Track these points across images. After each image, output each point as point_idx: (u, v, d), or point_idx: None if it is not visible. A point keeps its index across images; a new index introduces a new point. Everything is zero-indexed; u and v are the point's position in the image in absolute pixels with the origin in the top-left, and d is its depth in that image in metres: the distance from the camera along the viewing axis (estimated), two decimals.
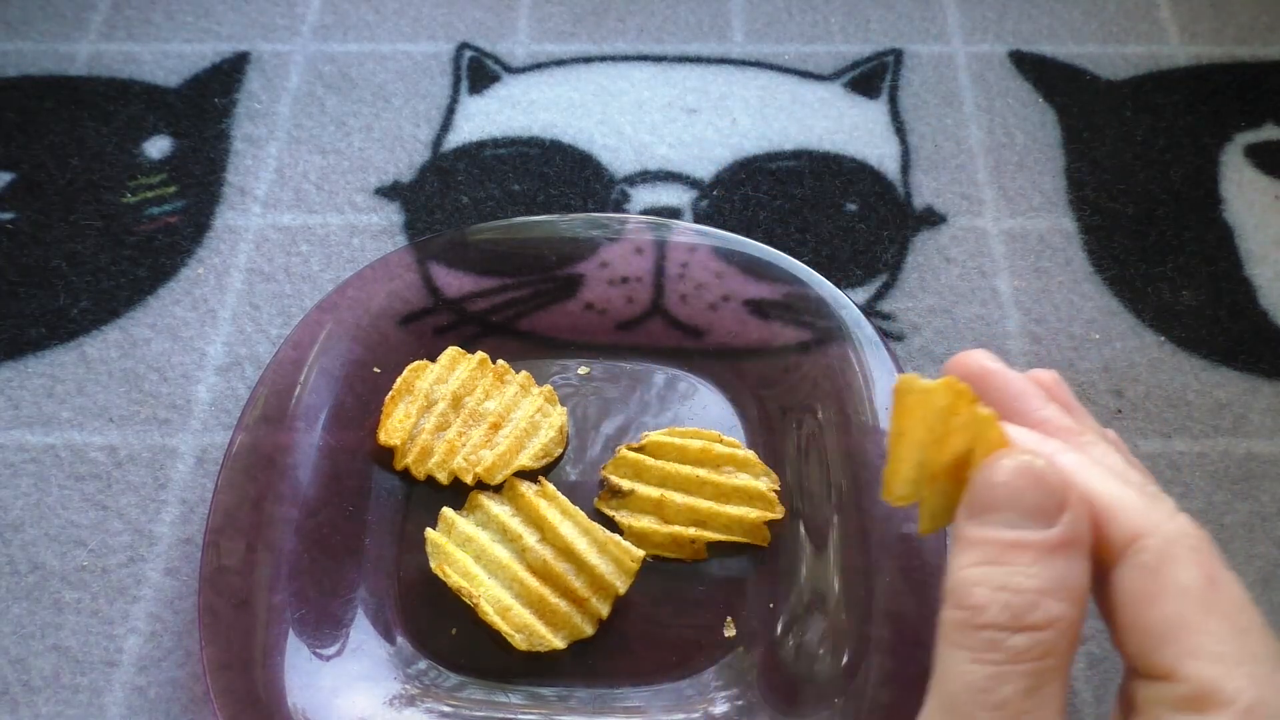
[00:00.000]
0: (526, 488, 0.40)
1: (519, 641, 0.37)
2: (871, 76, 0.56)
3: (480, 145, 0.53)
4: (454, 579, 0.37)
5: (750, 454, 0.41)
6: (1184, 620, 0.21)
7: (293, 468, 0.40)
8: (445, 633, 0.38)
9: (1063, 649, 0.21)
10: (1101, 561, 0.23)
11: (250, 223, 0.51)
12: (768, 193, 0.51)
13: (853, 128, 0.54)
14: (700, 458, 0.41)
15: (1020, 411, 0.26)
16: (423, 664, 0.38)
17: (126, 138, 0.54)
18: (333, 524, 0.39)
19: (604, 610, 0.38)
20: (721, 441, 0.41)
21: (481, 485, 0.41)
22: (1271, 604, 0.39)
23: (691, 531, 0.39)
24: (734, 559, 0.40)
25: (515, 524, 0.39)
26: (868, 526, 0.38)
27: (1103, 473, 0.23)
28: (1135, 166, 0.52)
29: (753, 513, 0.39)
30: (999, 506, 0.22)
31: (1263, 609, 0.21)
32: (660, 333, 0.45)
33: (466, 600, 0.37)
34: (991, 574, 0.22)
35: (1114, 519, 0.22)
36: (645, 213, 0.50)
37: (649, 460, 0.41)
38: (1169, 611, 0.21)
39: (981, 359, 0.27)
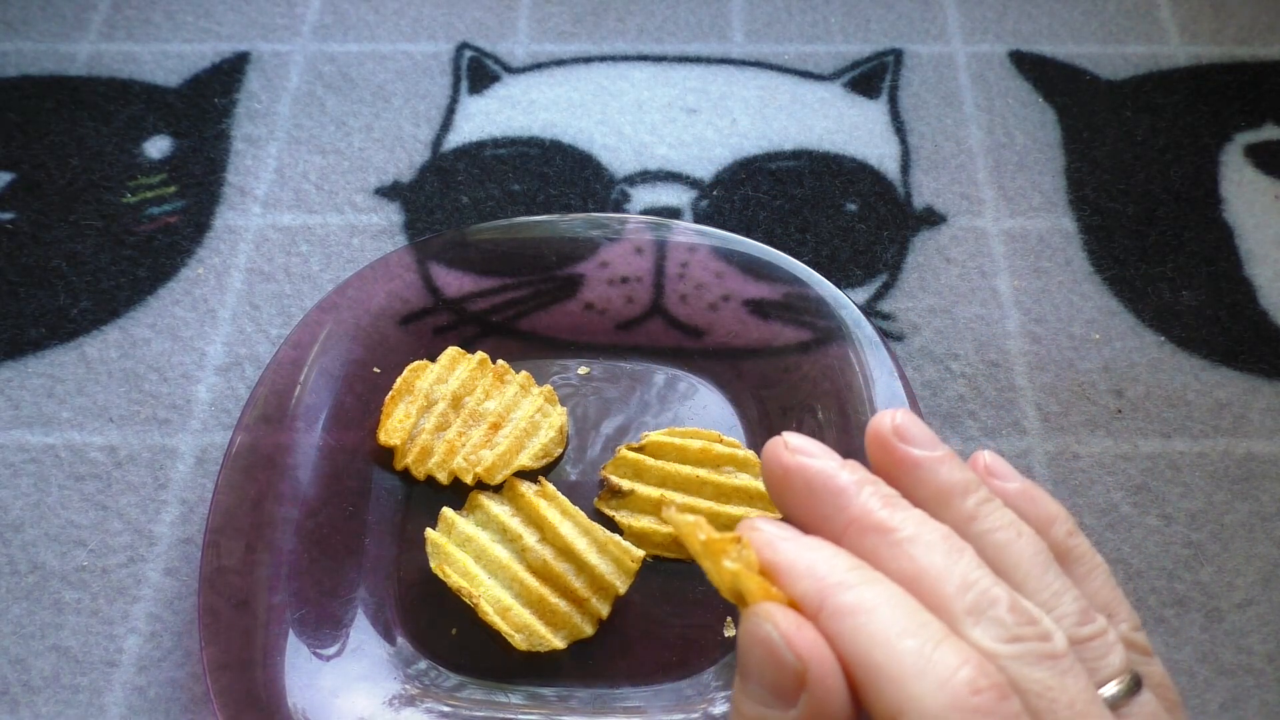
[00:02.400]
0: (526, 488, 0.40)
1: (519, 641, 0.37)
2: (871, 76, 0.56)
3: (480, 145, 0.53)
4: (454, 579, 0.37)
5: (750, 454, 0.41)
6: None
7: (293, 468, 0.40)
8: (445, 633, 0.38)
9: None
10: None
11: (250, 223, 0.51)
12: (768, 193, 0.51)
13: (853, 128, 0.54)
14: (700, 458, 0.41)
15: (833, 511, 0.23)
16: (423, 664, 0.38)
17: (126, 138, 0.54)
18: (333, 524, 0.39)
19: (604, 610, 0.38)
20: (721, 441, 0.41)
21: (481, 485, 0.41)
22: (1272, 604, 0.39)
23: None
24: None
25: (515, 524, 0.39)
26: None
27: (890, 612, 0.20)
28: (1135, 166, 0.52)
29: (753, 513, 0.39)
30: (748, 675, 0.21)
31: (1263, 609, 0.21)
32: (660, 333, 0.45)
33: (466, 600, 0.37)
34: None
35: (878, 689, 0.20)
36: (645, 213, 0.50)
37: (649, 460, 0.41)
38: None
39: (797, 454, 0.24)
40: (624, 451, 0.41)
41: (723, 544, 0.22)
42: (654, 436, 0.41)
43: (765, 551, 0.22)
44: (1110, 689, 0.22)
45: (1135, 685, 0.22)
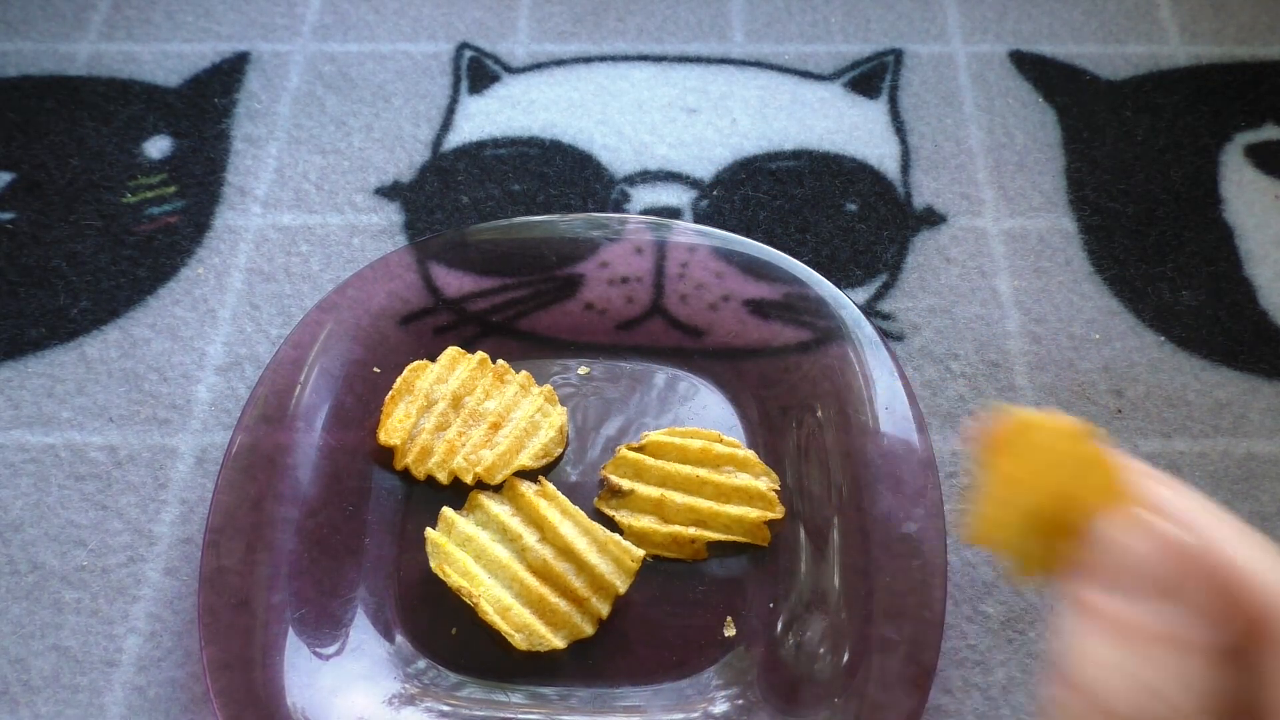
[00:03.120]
0: (526, 487, 0.40)
1: (519, 641, 0.37)
2: (871, 76, 0.56)
3: (480, 145, 0.53)
4: (454, 579, 0.37)
5: (750, 454, 0.41)
6: None
7: (293, 468, 0.40)
8: (445, 633, 0.38)
9: None
10: (1243, 640, 0.20)
11: (250, 223, 0.51)
12: (768, 193, 0.51)
13: (853, 128, 0.54)
14: (700, 458, 0.41)
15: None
16: (422, 663, 0.38)
17: (126, 138, 0.54)
18: (333, 524, 0.39)
19: (604, 610, 0.38)
20: (722, 441, 0.41)
21: (481, 485, 0.41)
22: None
23: (692, 531, 0.39)
24: (734, 559, 0.40)
25: (515, 524, 0.39)
26: (868, 526, 0.38)
27: (1238, 532, 0.21)
28: (1135, 166, 0.52)
29: (753, 512, 0.39)
30: (1124, 574, 0.20)
31: None
32: (660, 333, 0.45)
33: (466, 600, 0.37)
34: (1117, 658, 0.20)
35: (1252, 592, 0.19)
36: (645, 213, 0.50)
37: (649, 460, 0.41)
38: None
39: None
40: (624, 451, 0.41)
41: (1087, 437, 0.22)
42: (654, 436, 0.41)
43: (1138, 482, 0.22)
44: None
45: None
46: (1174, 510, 0.21)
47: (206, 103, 0.55)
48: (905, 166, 0.53)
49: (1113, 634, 0.20)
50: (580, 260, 0.46)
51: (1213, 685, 0.19)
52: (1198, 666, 0.19)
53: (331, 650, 0.37)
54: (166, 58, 0.57)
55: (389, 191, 0.52)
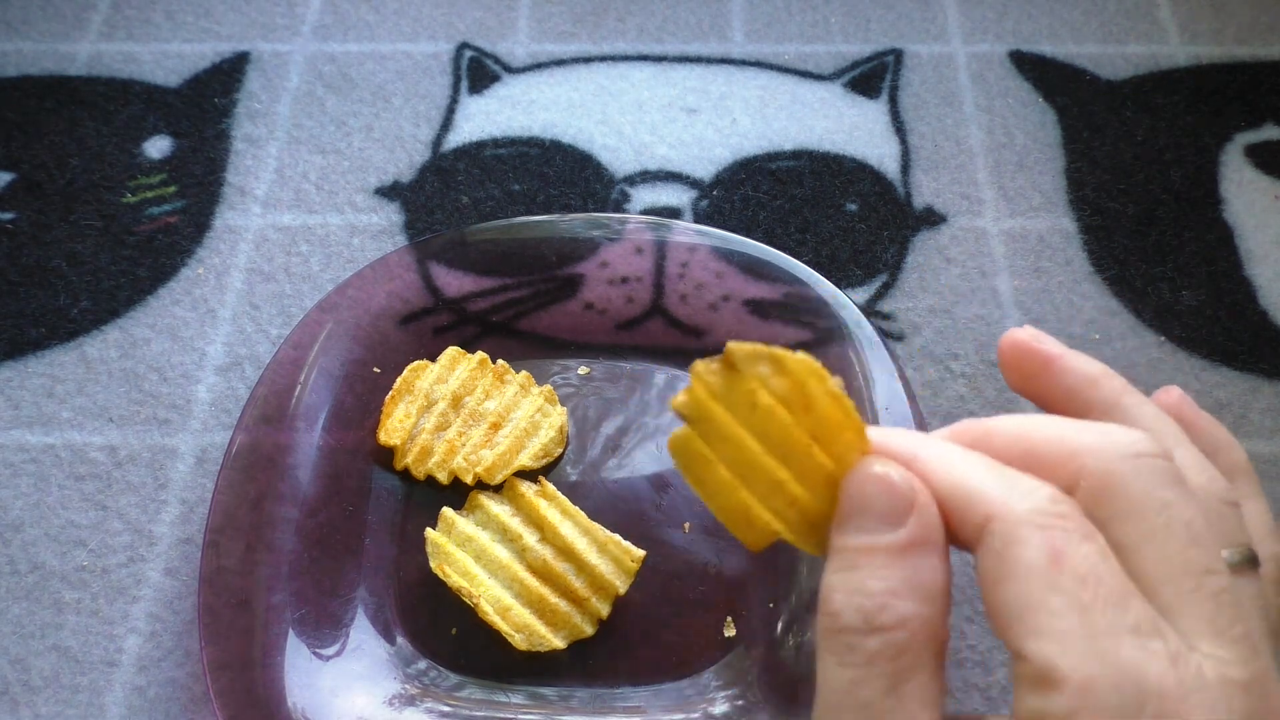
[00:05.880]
0: (526, 488, 0.40)
1: (519, 641, 0.37)
2: (871, 76, 0.56)
3: (480, 145, 0.53)
4: (454, 579, 0.37)
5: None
6: (1027, 600, 0.21)
7: (293, 468, 0.40)
8: (445, 633, 0.38)
9: (918, 646, 0.21)
10: (970, 549, 0.23)
11: (250, 223, 0.51)
12: (768, 193, 0.51)
13: (853, 128, 0.54)
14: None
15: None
16: (423, 664, 0.38)
17: (126, 138, 0.54)
18: (333, 524, 0.39)
19: (604, 610, 0.38)
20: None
21: (481, 485, 0.41)
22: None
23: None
24: (734, 559, 0.40)
25: (515, 524, 0.39)
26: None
27: (972, 462, 0.23)
28: (1135, 166, 0.52)
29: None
30: (854, 514, 0.23)
31: None
32: (660, 333, 0.45)
33: (466, 600, 0.37)
34: (847, 579, 0.22)
35: (969, 506, 0.22)
36: (645, 213, 0.50)
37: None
38: (1014, 592, 0.21)
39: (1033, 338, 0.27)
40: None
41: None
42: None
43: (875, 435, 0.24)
44: (1225, 552, 0.23)
45: (1251, 561, 0.23)
46: (897, 446, 0.24)
47: (206, 103, 0.55)
48: (905, 166, 0.53)
49: (844, 561, 0.23)
50: (580, 260, 0.46)
51: (919, 578, 0.22)
52: (908, 565, 0.22)
53: (331, 650, 0.37)
54: (166, 58, 0.57)
55: (389, 191, 0.52)
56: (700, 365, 0.23)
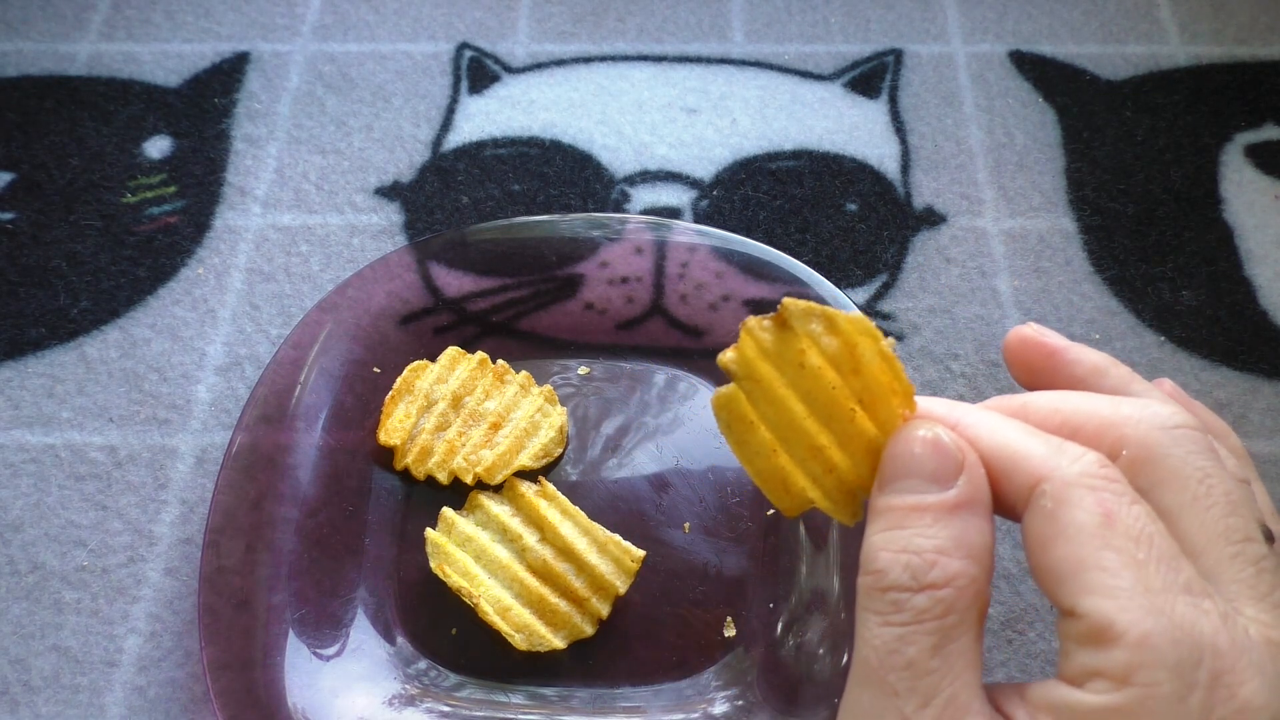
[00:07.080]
0: (526, 488, 0.40)
1: (519, 641, 0.37)
2: (871, 76, 0.56)
3: (480, 145, 0.53)
4: (454, 579, 0.37)
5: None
6: (1080, 558, 0.21)
7: (293, 468, 0.40)
8: (445, 633, 0.38)
9: (965, 605, 0.22)
10: (1014, 512, 0.23)
11: (250, 223, 0.51)
12: (768, 193, 0.51)
13: (853, 128, 0.54)
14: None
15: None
16: (423, 664, 0.38)
17: (126, 138, 0.54)
18: (333, 524, 0.39)
19: (604, 610, 0.38)
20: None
21: (481, 485, 0.41)
22: None
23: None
24: (734, 559, 0.40)
25: (515, 524, 0.39)
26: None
27: (1016, 428, 0.24)
28: (1135, 166, 0.52)
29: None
30: (901, 475, 0.23)
31: None
32: (660, 333, 0.45)
33: (466, 600, 0.37)
34: (894, 538, 0.23)
35: (1017, 469, 0.23)
36: (645, 213, 0.50)
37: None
38: (1067, 551, 0.21)
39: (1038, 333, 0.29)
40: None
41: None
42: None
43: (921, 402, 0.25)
44: None
45: (1269, 537, 0.23)
46: (942, 412, 0.24)
47: (206, 103, 0.55)
48: (905, 166, 0.53)
49: (890, 521, 0.23)
50: (580, 260, 0.46)
51: (967, 537, 0.22)
52: (956, 524, 0.22)
53: (332, 650, 0.37)
54: (166, 58, 0.57)
55: (389, 191, 0.52)
56: (752, 321, 0.23)
